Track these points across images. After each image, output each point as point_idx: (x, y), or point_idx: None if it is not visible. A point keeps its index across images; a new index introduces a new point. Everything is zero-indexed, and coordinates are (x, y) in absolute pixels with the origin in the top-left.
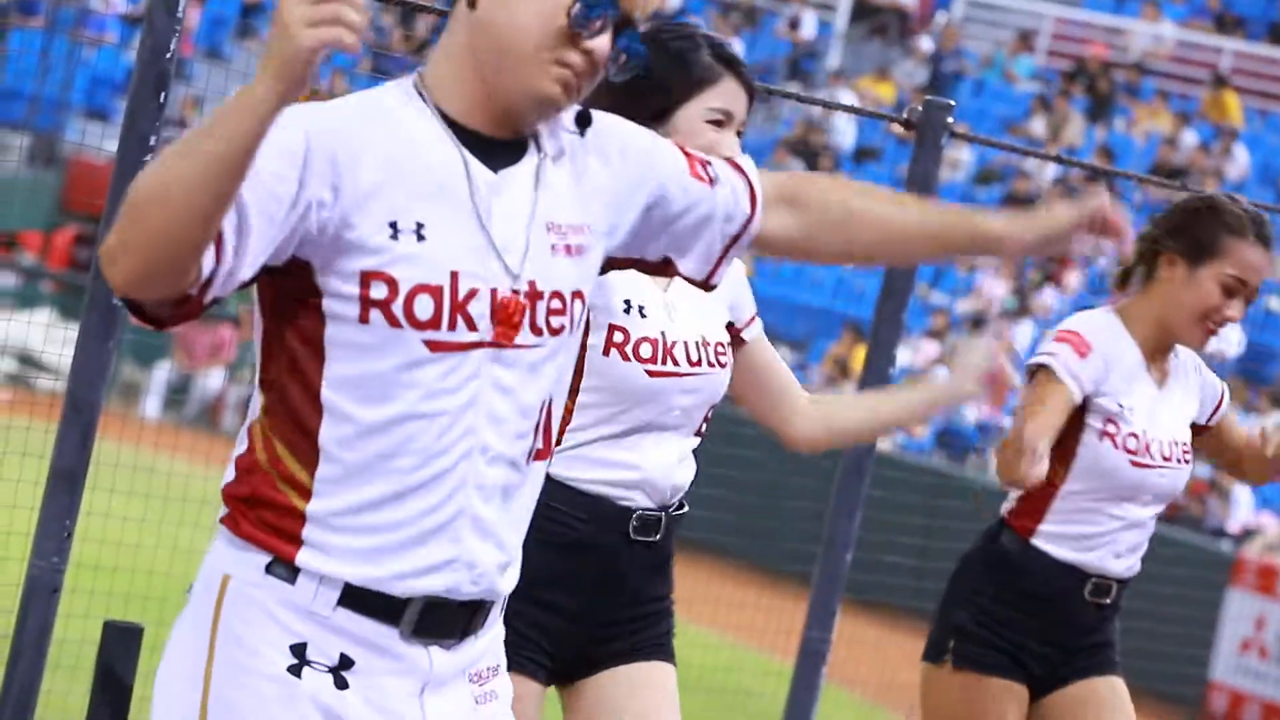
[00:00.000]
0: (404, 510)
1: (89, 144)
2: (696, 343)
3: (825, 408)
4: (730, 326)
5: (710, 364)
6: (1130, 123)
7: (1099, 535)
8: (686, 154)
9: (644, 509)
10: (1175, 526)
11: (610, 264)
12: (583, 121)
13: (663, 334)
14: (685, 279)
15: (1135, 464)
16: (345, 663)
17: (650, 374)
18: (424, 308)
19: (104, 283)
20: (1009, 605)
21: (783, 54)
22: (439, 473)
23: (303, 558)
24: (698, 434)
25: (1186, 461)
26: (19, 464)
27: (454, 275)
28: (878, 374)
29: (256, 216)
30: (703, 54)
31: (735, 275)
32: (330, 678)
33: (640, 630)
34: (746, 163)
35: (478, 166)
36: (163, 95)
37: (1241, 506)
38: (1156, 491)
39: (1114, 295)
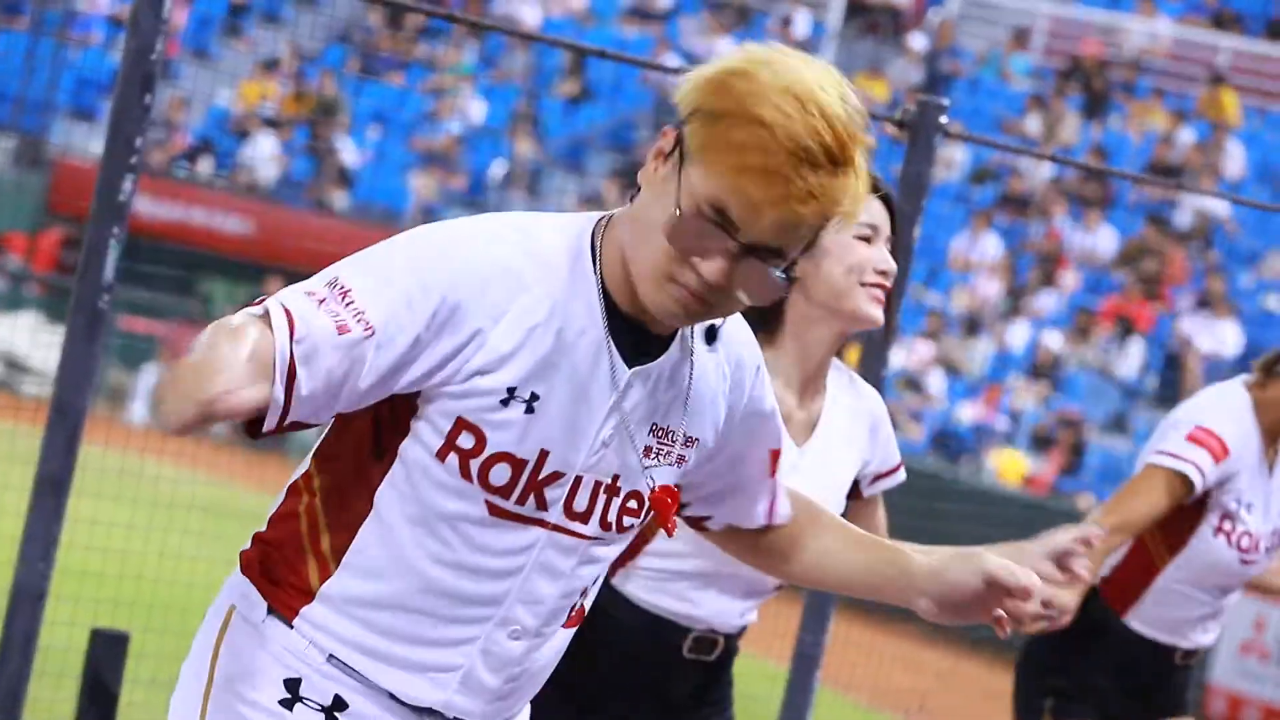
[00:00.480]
0: (407, 633)
1: (74, 145)
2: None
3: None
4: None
5: None
6: (1126, 120)
7: (1191, 620)
8: (775, 453)
9: (701, 632)
10: None
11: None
12: (709, 336)
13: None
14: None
15: (1245, 561)
16: (339, 704)
17: None
18: (500, 475)
19: (89, 285)
20: (1103, 674)
21: None
22: (453, 620)
23: (299, 626)
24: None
25: None
26: (4, 469)
27: (543, 454)
28: (871, 374)
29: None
30: None
31: (881, 420)
32: (322, 717)
33: None
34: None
35: (615, 356)
36: (148, 96)
37: None
38: (1252, 578)
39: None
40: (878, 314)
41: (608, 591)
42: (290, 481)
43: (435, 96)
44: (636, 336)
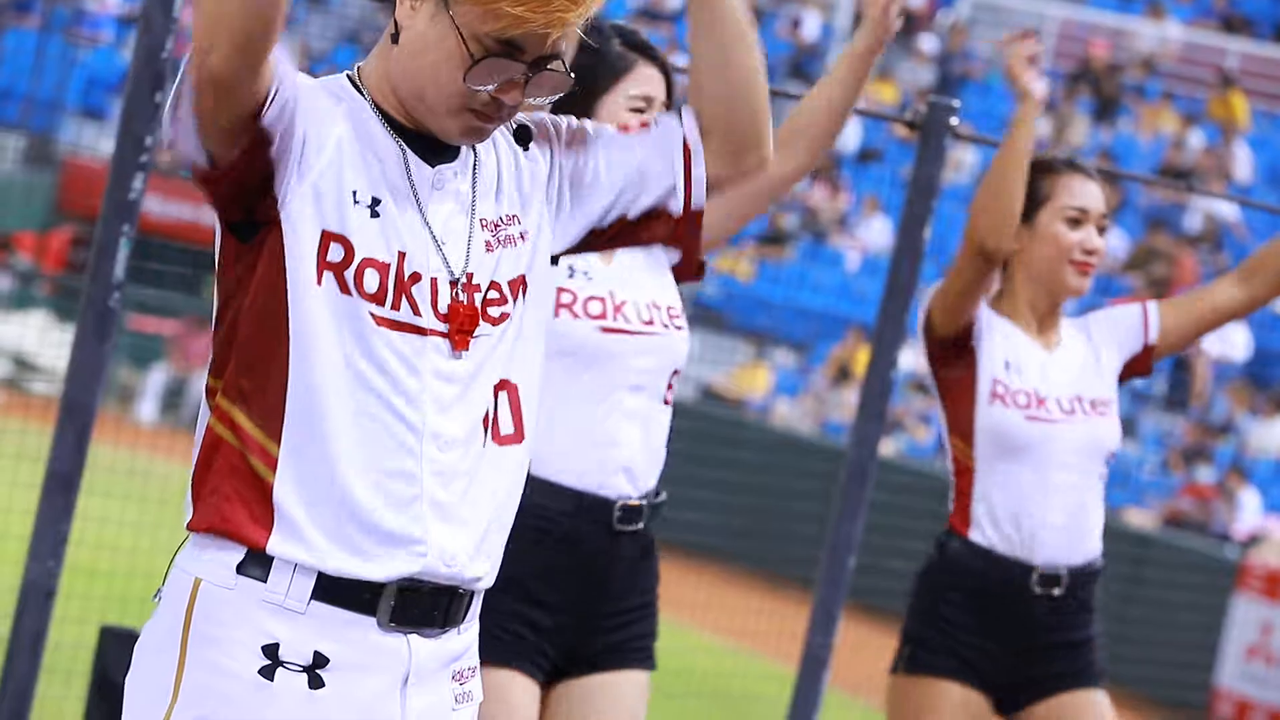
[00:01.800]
0: (367, 481)
1: (84, 145)
2: (648, 304)
3: (786, 128)
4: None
5: (664, 325)
6: (1136, 123)
7: (1021, 505)
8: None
9: (624, 498)
10: (1181, 532)
11: (582, 245)
12: (522, 138)
13: (610, 293)
14: (673, 223)
15: (1031, 419)
16: (319, 661)
17: (603, 330)
18: (371, 281)
19: (100, 284)
20: (958, 607)
21: (785, 54)
22: (396, 449)
23: (274, 544)
24: (666, 404)
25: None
26: (14, 467)
27: (400, 255)
28: (880, 375)
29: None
30: (613, 44)
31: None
32: (305, 677)
33: (623, 627)
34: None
35: (415, 161)
36: (158, 96)
37: (1248, 511)
38: (1073, 448)
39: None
40: None
41: (532, 481)
42: (200, 421)
43: None
44: (421, 145)
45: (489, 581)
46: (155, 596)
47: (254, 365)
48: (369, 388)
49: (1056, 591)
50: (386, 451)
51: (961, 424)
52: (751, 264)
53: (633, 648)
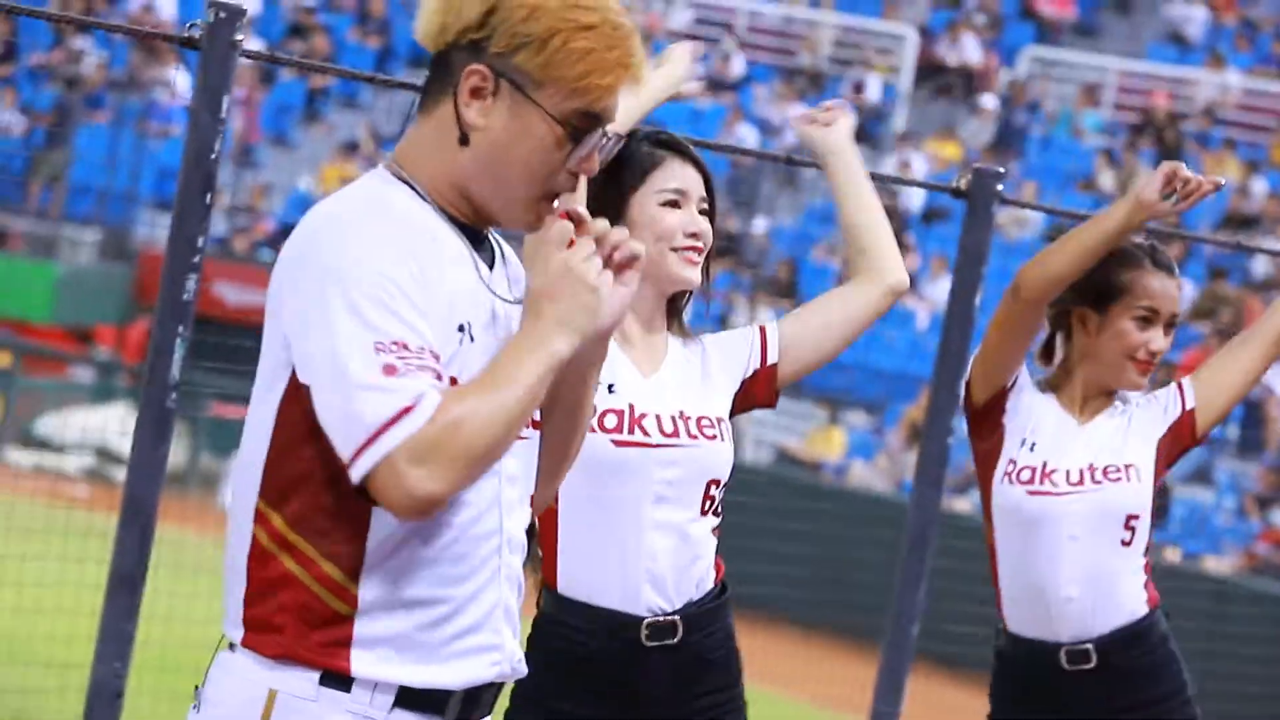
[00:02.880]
0: (450, 595)
1: (159, 236)
2: (673, 416)
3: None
4: (762, 371)
5: (690, 435)
6: (1199, 172)
7: (1032, 578)
8: None
9: (654, 614)
10: (1261, 578)
11: None
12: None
13: (630, 406)
14: None
15: (1033, 493)
16: None
17: (615, 444)
18: None
19: (157, 384)
20: (1023, 692)
21: None
22: (476, 565)
23: (357, 668)
24: (704, 514)
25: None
26: (92, 568)
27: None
28: (936, 441)
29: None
30: (640, 144)
31: (728, 340)
32: None
33: None
34: None
35: (479, 260)
36: (209, 196)
37: None
38: (1080, 519)
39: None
40: (692, 275)
41: (552, 598)
42: (242, 545)
43: None
44: (472, 237)
45: None
46: (196, 696)
47: (333, 509)
48: (455, 502)
49: (1088, 666)
50: (473, 565)
51: (986, 504)
52: None
53: None
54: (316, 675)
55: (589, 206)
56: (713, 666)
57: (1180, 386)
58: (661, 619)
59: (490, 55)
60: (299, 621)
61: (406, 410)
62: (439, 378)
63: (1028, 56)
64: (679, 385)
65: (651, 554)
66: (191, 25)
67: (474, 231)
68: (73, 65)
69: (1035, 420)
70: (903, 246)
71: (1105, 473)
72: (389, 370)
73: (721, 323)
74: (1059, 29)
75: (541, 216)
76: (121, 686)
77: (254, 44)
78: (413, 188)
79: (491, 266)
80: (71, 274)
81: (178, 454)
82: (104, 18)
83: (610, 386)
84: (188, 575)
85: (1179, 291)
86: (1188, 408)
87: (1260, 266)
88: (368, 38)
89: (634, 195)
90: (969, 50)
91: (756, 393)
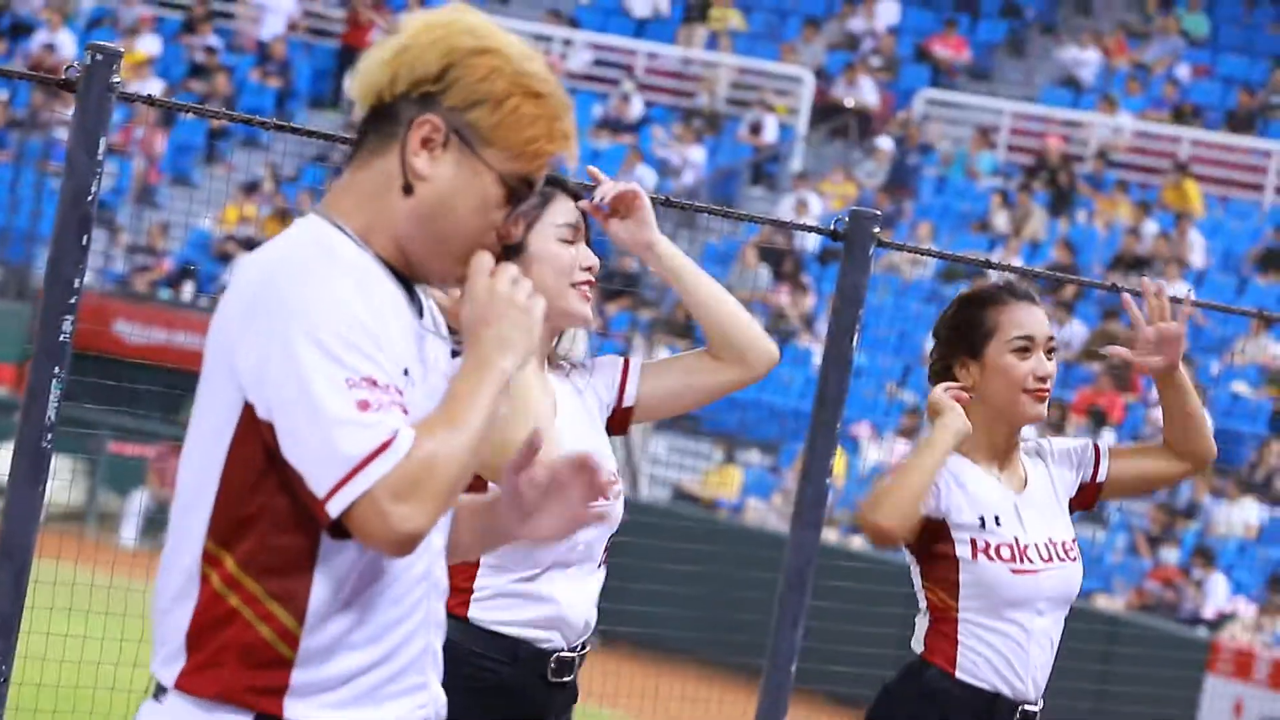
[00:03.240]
0: (388, 636)
1: None
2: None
3: None
4: (618, 412)
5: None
6: (1092, 215)
7: (1011, 657)
8: None
9: (559, 651)
10: (1152, 615)
11: None
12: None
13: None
14: None
15: (1016, 571)
16: None
17: None
18: None
19: (32, 426)
20: None
21: (746, 157)
22: (409, 609)
23: (290, 709)
24: (601, 565)
25: (1073, 558)
26: None
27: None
28: (814, 485)
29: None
30: None
31: (598, 367)
32: None
33: None
34: None
35: (413, 311)
36: (85, 238)
37: (1216, 593)
38: (1048, 594)
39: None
40: (587, 310)
41: (471, 630)
42: (186, 579)
43: None
44: (405, 287)
45: None
46: None
47: (283, 550)
48: (388, 563)
49: None
50: (406, 609)
51: (942, 580)
52: None
53: None
54: (250, 718)
55: None
56: (571, 710)
57: (1097, 452)
58: (563, 655)
59: (443, 109)
60: (239, 662)
61: (385, 445)
62: (405, 413)
63: (923, 98)
64: (577, 425)
65: (567, 602)
66: (69, 67)
67: (406, 280)
68: None
69: (975, 494)
70: (798, 286)
71: (1065, 550)
72: (363, 406)
73: None
74: (954, 71)
75: (465, 271)
76: None
77: (154, 85)
78: (347, 234)
79: (420, 316)
80: None
81: (76, 492)
82: (3, 57)
83: None
84: (79, 617)
85: (1045, 317)
86: (1098, 480)
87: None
88: (268, 78)
89: (531, 231)
90: (865, 92)
91: (612, 427)
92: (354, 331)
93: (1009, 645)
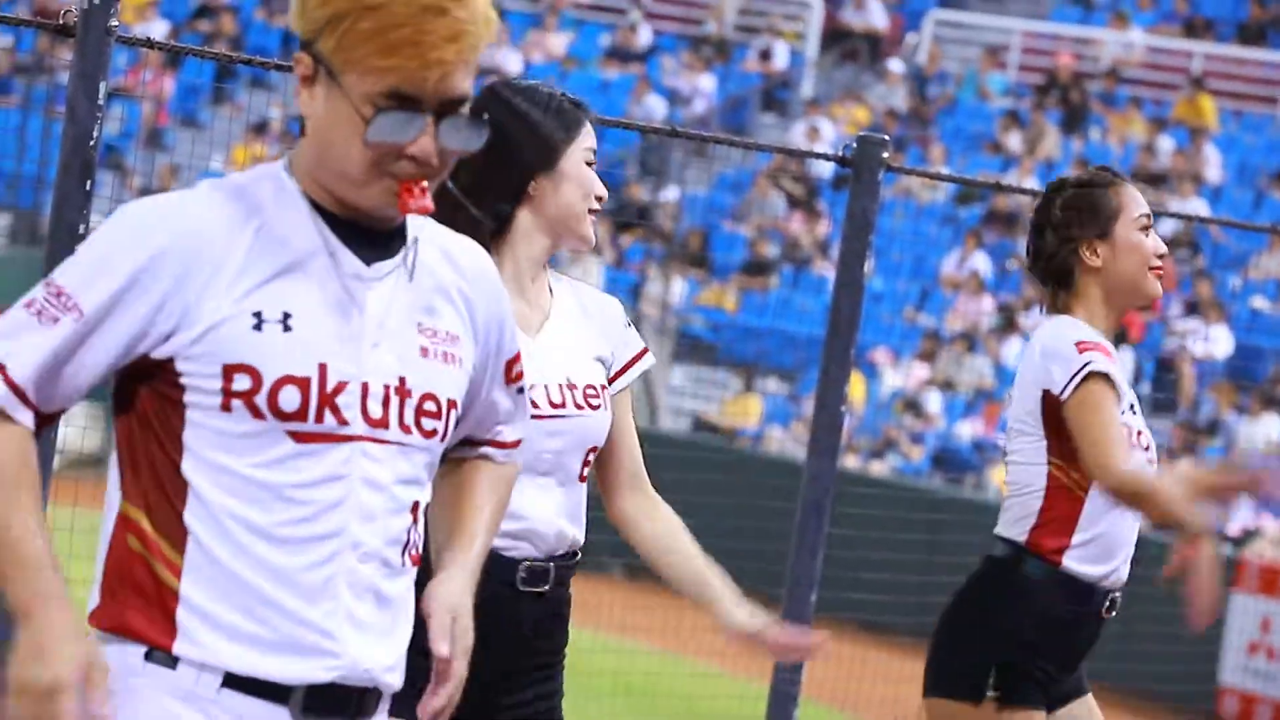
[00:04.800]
0: (280, 593)
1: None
2: (561, 385)
3: (661, 530)
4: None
5: (577, 405)
6: (1106, 132)
7: (1120, 537)
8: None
9: (531, 559)
10: (1173, 533)
11: None
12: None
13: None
14: None
15: (1150, 462)
16: None
17: None
18: (289, 399)
19: None
20: (1042, 634)
21: (756, 85)
22: (305, 567)
23: (180, 647)
24: (582, 480)
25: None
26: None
27: (322, 367)
28: (829, 412)
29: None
30: (565, 103)
31: (614, 318)
32: None
33: (530, 686)
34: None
35: (348, 256)
36: (89, 183)
37: (1240, 509)
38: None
39: (1046, 308)
40: (593, 235)
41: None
42: (107, 525)
43: None
44: (358, 239)
45: (399, 685)
46: None
47: (156, 480)
48: (285, 499)
49: (1113, 614)
50: (303, 563)
51: (1077, 456)
52: (735, 295)
53: (545, 708)
54: (142, 650)
55: (495, 166)
56: (560, 623)
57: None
58: (535, 564)
59: (307, 43)
60: (133, 593)
61: None
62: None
63: (932, 19)
64: (564, 338)
65: (536, 515)
66: (66, 11)
67: (358, 228)
68: None
69: (1119, 383)
70: (813, 213)
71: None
72: (28, 304)
73: (635, 294)
74: None
75: (390, 194)
76: None
77: (159, 26)
78: (286, 175)
79: (388, 258)
80: None
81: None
82: (8, 3)
83: None
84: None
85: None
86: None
87: (1166, 226)
88: (274, 17)
89: (567, 148)
90: (874, 14)
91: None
92: (127, 263)
93: (1123, 529)
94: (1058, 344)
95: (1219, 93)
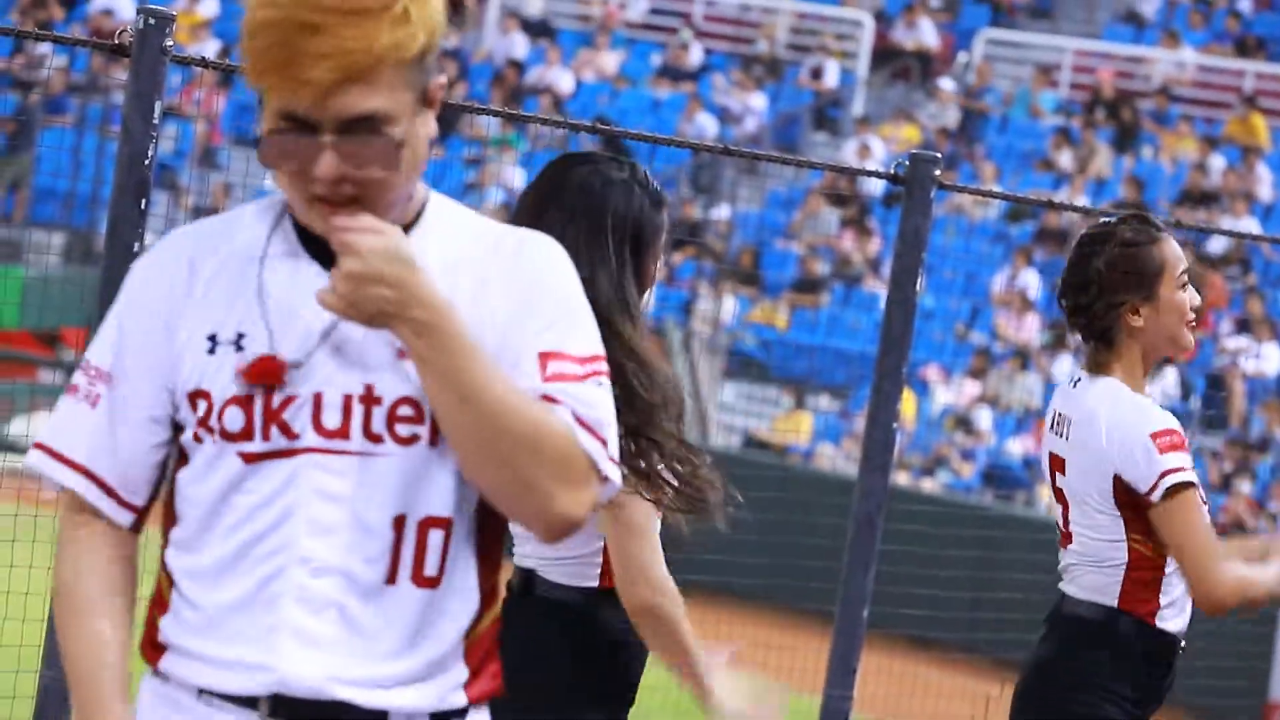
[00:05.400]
0: (207, 612)
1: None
2: None
3: None
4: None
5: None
6: (1157, 150)
7: (1185, 593)
8: (556, 356)
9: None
10: None
11: None
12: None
13: None
14: None
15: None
16: None
17: None
18: (233, 420)
19: None
20: (1143, 691)
21: (807, 103)
22: (248, 582)
23: (163, 665)
24: None
25: None
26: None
27: (268, 386)
28: (882, 429)
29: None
30: (662, 198)
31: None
32: None
33: None
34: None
35: (319, 271)
36: (143, 202)
37: None
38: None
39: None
40: None
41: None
42: None
43: (476, 167)
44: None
45: (412, 704)
46: None
47: (166, 513)
48: (232, 526)
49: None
50: (249, 584)
51: (1153, 532)
52: (787, 312)
53: None
54: (148, 670)
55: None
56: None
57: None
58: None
59: None
60: (152, 608)
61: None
62: (94, 406)
63: (984, 38)
64: None
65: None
66: (121, 31)
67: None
68: (33, 70)
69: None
70: (864, 230)
71: None
72: (72, 390)
73: (687, 311)
74: (1014, 10)
75: (322, 216)
76: None
77: (212, 45)
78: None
79: None
80: (38, 278)
81: None
82: (63, 23)
83: None
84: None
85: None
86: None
87: (1218, 244)
88: None
89: (648, 254)
90: (925, 34)
91: None
92: (117, 315)
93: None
94: (1130, 431)
95: (1271, 111)
